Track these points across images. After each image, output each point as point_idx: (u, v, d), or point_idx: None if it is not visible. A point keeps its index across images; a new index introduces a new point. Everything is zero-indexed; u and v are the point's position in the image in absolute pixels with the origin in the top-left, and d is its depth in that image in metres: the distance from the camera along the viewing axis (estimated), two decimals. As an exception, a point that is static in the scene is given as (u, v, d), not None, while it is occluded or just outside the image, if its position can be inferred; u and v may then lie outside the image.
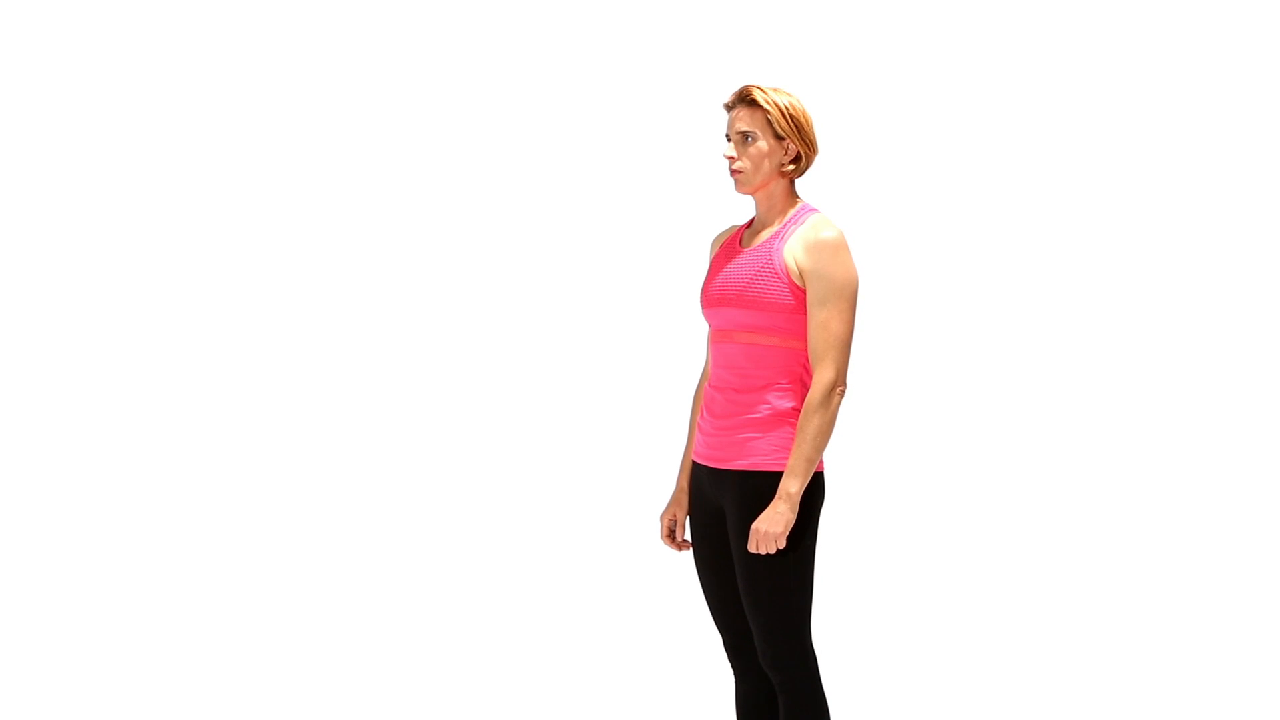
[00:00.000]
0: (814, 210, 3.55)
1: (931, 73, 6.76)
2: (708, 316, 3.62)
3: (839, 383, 3.42)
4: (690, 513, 3.69)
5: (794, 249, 3.46)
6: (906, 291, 6.67)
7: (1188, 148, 6.76)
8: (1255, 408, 6.65)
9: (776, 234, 3.51)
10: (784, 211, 3.55)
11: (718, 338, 3.58)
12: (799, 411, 3.46)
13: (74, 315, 6.75)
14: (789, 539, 3.45)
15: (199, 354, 6.77)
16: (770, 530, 3.41)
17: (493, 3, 6.83)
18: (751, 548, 3.43)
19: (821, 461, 3.53)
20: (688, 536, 3.77)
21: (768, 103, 3.48)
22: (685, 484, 3.75)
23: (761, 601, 3.46)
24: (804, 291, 3.44)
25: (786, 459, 3.45)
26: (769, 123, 3.48)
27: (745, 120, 3.50)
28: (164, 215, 6.82)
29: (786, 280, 3.45)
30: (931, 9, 6.76)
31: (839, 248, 3.43)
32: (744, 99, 3.51)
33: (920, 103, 6.76)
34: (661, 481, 4.90)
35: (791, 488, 3.41)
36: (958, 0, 6.76)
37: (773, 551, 3.42)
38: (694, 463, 3.65)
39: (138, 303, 6.79)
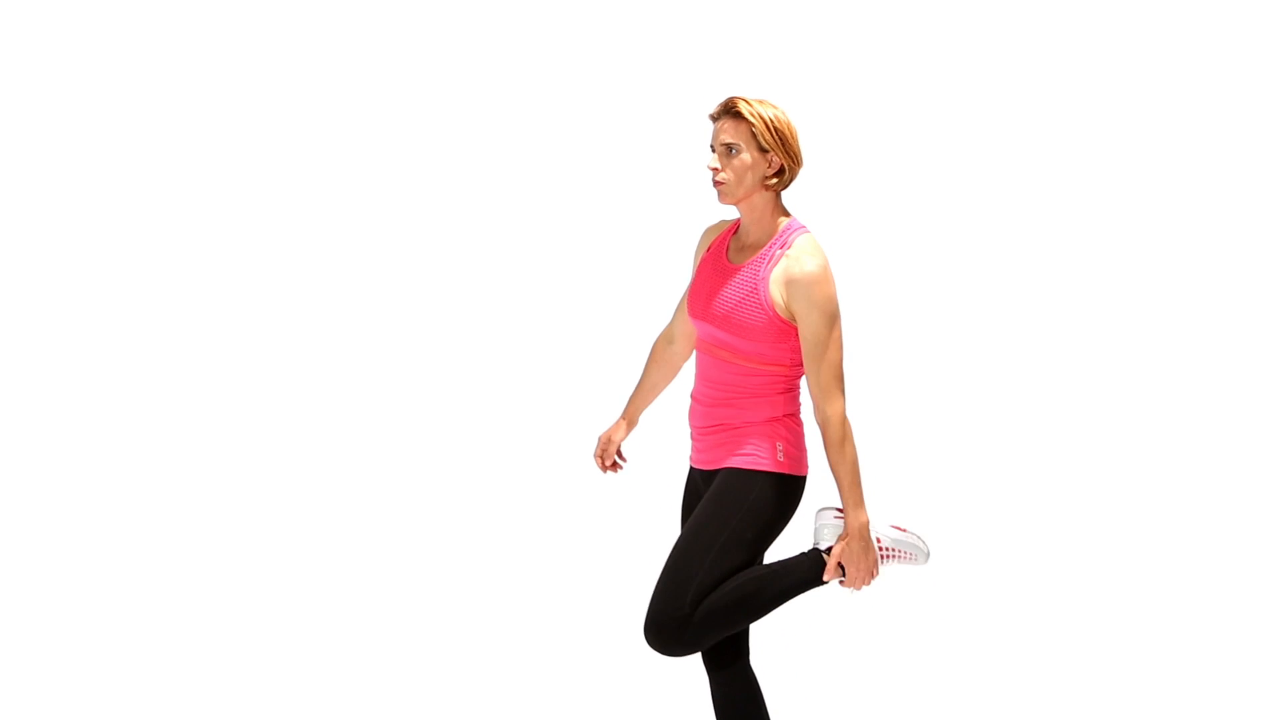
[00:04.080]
0: (800, 229, 3.53)
1: (915, 83, 6.76)
2: (693, 324, 3.65)
3: (845, 405, 3.49)
4: (682, 516, 3.77)
5: (780, 279, 3.46)
6: (891, 300, 6.67)
7: (1173, 151, 6.76)
8: (1245, 405, 6.65)
9: (763, 255, 3.51)
10: (770, 229, 3.54)
11: (701, 347, 3.63)
12: (775, 420, 3.53)
13: (73, 315, 6.76)
14: (731, 525, 3.49)
15: (192, 353, 6.78)
16: (852, 567, 3.52)
17: (482, 8, 6.82)
18: (851, 585, 3.53)
19: (806, 465, 3.59)
20: (619, 461, 4.00)
21: (752, 115, 3.47)
22: (631, 417, 3.93)
23: (684, 556, 3.48)
24: (785, 321, 3.47)
25: (765, 459, 3.52)
26: (753, 135, 3.48)
27: (730, 132, 3.49)
28: (164, 216, 6.84)
29: (770, 311, 3.47)
30: (915, 20, 6.75)
31: (821, 280, 3.44)
32: (729, 111, 3.50)
33: (904, 113, 6.76)
34: (656, 482, 4.89)
35: (860, 520, 3.51)
36: (940, 12, 6.75)
37: (869, 584, 3.53)
38: (691, 468, 3.72)
39: (137, 303, 6.80)
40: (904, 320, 6.74)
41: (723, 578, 3.48)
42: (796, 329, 3.47)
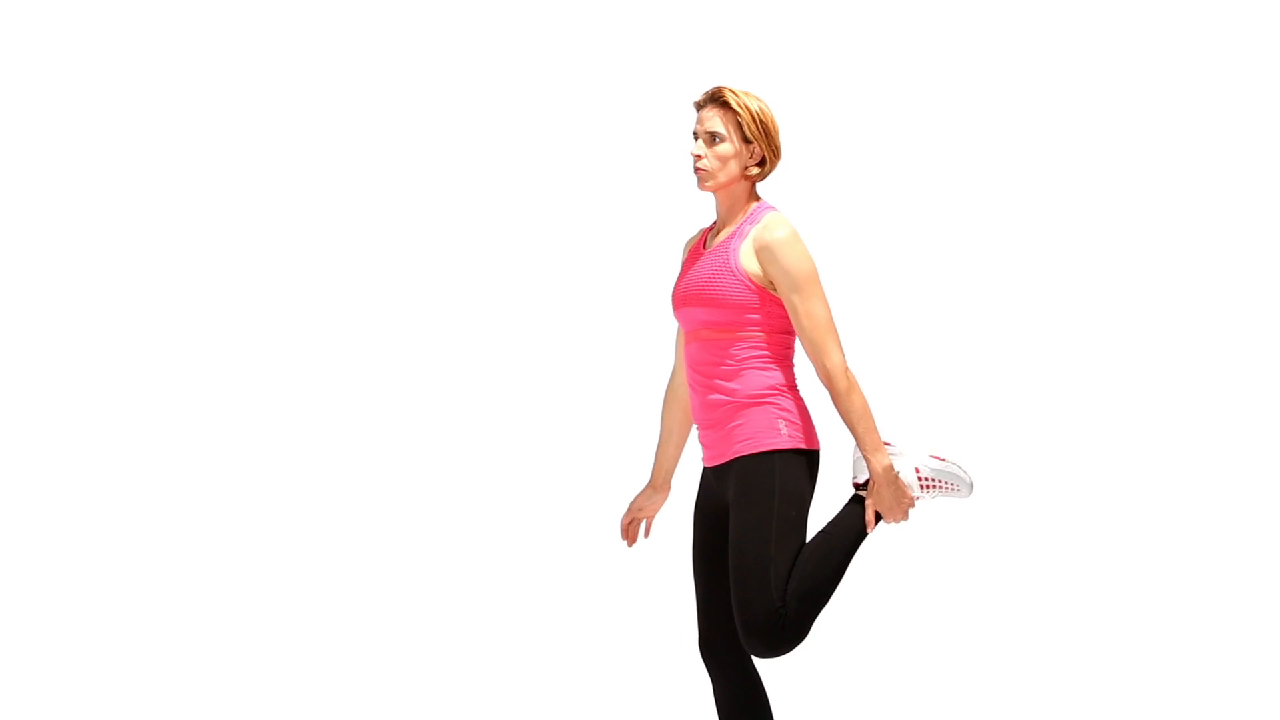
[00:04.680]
0: (770, 208, 3.61)
1: (898, 79, 6.81)
2: (676, 318, 3.71)
3: (843, 355, 3.52)
4: (695, 517, 3.76)
5: (749, 251, 3.54)
6: (874, 293, 6.70)
7: (1171, 147, 6.82)
8: (1241, 404, 6.71)
9: (734, 233, 3.59)
10: (742, 213, 3.62)
11: (686, 339, 3.68)
12: (771, 391, 3.54)
13: (74, 316, 6.72)
14: (773, 511, 3.51)
15: (192, 356, 6.75)
16: (889, 512, 3.56)
17: (469, 6, 6.86)
18: (890, 520, 3.57)
19: (816, 440, 3.61)
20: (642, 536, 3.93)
21: (739, 106, 3.55)
22: (660, 482, 3.88)
23: (746, 558, 3.50)
24: (762, 289, 3.52)
25: (771, 437, 3.53)
26: (739, 125, 3.55)
27: (715, 120, 3.56)
28: (164, 216, 6.82)
29: (743, 278, 3.53)
30: (899, 16, 6.82)
31: (790, 241, 3.51)
32: (715, 99, 3.57)
33: (885, 109, 6.81)
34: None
35: (882, 464, 3.54)
36: (926, 6, 6.82)
37: (906, 519, 3.57)
38: (704, 469, 3.72)
39: (138, 303, 6.77)
40: (892, 314, 6.75)
41: (793, 563, 3.52)
42: (774, 296, 3.53)
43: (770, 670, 3.96)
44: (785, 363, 3.60)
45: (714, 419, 3.59)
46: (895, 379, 6.61)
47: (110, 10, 6.70)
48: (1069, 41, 6.82)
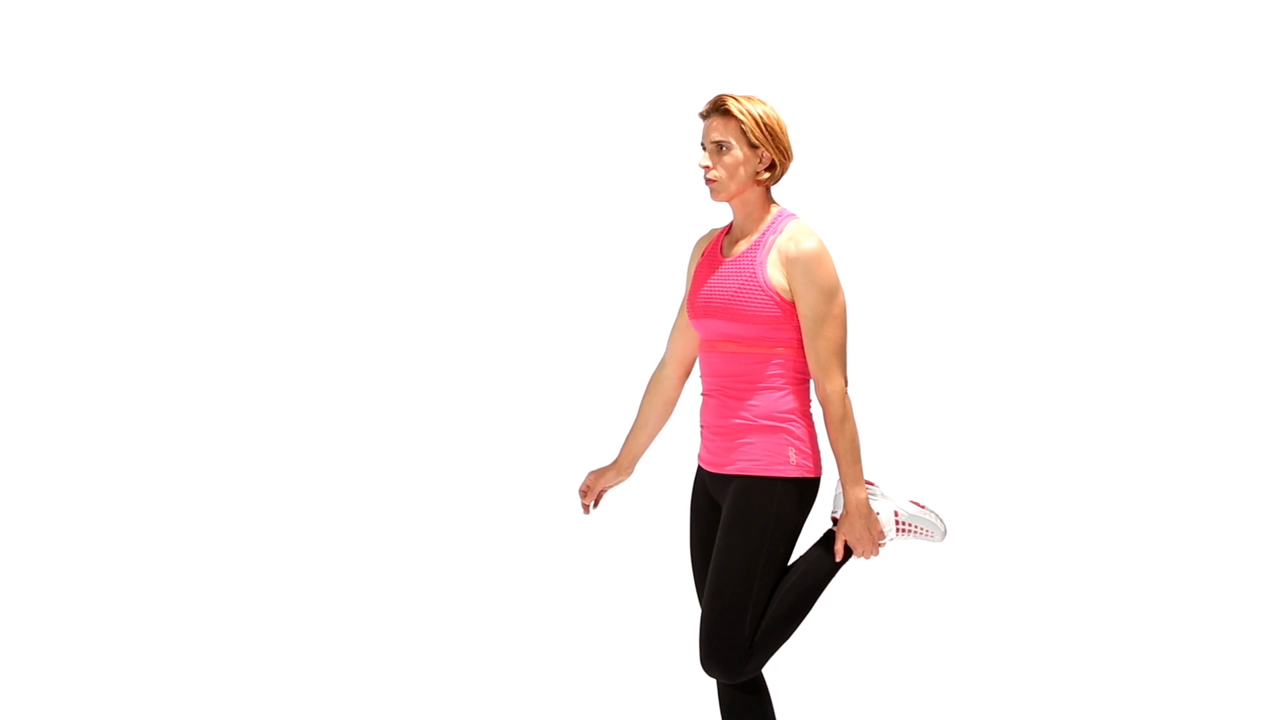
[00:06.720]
0: (791, 216, 3.57)
1: (904, 77, 6.79)
2: (694, 326, 3.67)
3: (845, 383, 3.52)
4: (690, 515, 3.76)
5: (776, 262, 3.50)
6: (886, 294, 6.70)
7: (1174, 148, 6.78)
8: (1241, 405, 6.66)
9: (757, 243, 3.55)
10: (761, 219, 3.58)
11: (705, 347, 3.64)
12: (788, 416, 3.53)
13: (74, 316, 6.80)
14: (765, 544, 3.51)
15: (193, 358, 6.83)
16: (858, 545, 3.57)
17: (476, 8, 6.87)
18: (859, 553, 3.58)
19: (820, 466, 3.60)
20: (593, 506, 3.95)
21: (741, 112, 3.51)
22: (625, 465, 3.87)
23: (726, 585, 3.51)
24: (789, 303, 3.49)
25: (779, 464, 3.52)
26: (743, 132, 3.52)
27: (719, 129, 3.53)
28: (164, 216, 6.88)
29: (771, 293, 3.49)
30: (904, 15, 6.79)
31: (820, 257, 3.48)
32: (718, 108, 3.54)
33: (896, 107, 6.79)
34: (655, 482, 4.91)
35: (858, 498, 3.54)
36: (933, 5, 6.79)
37: (877, 554, 3.58)
38: (699, 467, 3.72)
39: (138, 303, 6.84)
40: (900, 313, 6.75)
41: (770, 598, 3.54)
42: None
43: (772, 670, 3.96)
44: (803, 384, 3.58)
45: (725, 428, 3.58)
46: (895, 378, 6.61)
47: (110, 10, 6.76)
48: (1070, 47, 6.79)
